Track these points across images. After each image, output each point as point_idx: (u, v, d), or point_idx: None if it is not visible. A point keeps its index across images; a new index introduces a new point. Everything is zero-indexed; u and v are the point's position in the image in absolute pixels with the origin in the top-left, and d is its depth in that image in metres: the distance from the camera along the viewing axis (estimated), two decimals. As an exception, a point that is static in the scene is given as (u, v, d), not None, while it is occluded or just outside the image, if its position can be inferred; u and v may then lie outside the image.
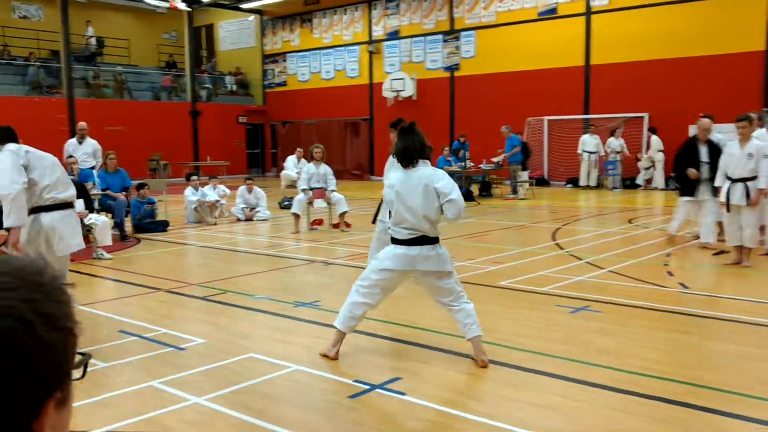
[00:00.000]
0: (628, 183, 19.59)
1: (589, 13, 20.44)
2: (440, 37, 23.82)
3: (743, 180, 7.89)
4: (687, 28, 18.67)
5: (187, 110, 26.87)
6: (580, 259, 8.50)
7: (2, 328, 0.81)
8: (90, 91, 24.67)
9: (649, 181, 19.25)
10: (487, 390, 4.19)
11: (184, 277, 7.85)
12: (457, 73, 23.54)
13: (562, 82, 20.93)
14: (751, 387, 4.10)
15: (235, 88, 29.62)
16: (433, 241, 4.54)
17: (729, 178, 8.03)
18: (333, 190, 11.67)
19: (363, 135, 26.23)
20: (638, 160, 19.27)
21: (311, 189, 11.62)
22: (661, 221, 12.39)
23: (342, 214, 11.54)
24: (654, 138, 18.77)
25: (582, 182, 19.90)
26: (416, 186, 4.42)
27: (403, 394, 4.07)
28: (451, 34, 23.52)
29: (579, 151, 19.68)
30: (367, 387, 4.19)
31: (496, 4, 22.34)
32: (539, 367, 4.51)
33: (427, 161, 4.54)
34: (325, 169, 11.85)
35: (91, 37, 25.48)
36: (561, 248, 9.45)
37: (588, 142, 19.55)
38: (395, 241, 4.57)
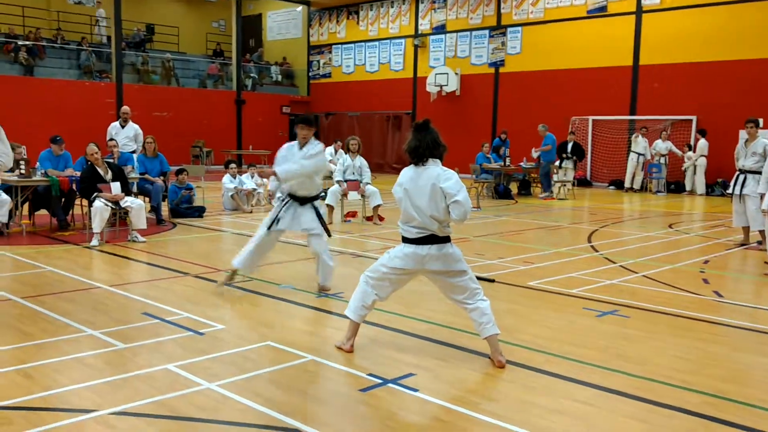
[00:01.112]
0: (672, 187, 19.14)
1: (639, 11, 19.98)
2: (486, 32, 23.58)
3: (789, 188, 7.62)
4: (739, 29, 18.10)
5: (232, 99, 27.17)
6: (614, 263, 8.32)
7: None
8: (138, 77, 25.15)
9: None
10: (501, 391, 4.11)
11: (213, 263, 7.93)
12: (501, 70, 23.29)
13: (609, 81, 20.53)
14: (776, 402, 3.94)
15: (280, 78, 29.84)
16: (443, 240, 4.44)
17: (773, 186, 7.76)
18: (368, 183, 11.66)
19: (405, 129, 26.13)
20: (683, 152, 18.79)
21: (346, 181, 11.63)
22: (701, 227, 12.06)
23: (375, 207, 11.52)
24: (702, 141, 18.27)
25: (627, 184, 19.53)
26: (424, 185, 4.34)
27: (415, 390, 4.02)
28: (498, 29, 23.26)
29: (633, 139, 19.33)
30: (380, 381, 4.15)
31: (544, 0, 22.00)
32: (557, 370, 4.42)
33: (438, 160, 4.45)
34: (360, 161, 11.84)
35: (104, 18, 25.92)
36: (596, 250, 9.26)
37: (638, 143, 19.18)
38: (405, 239, 4.50)
